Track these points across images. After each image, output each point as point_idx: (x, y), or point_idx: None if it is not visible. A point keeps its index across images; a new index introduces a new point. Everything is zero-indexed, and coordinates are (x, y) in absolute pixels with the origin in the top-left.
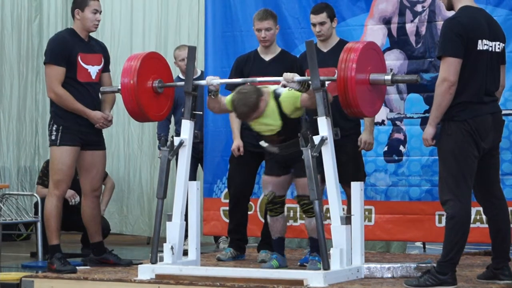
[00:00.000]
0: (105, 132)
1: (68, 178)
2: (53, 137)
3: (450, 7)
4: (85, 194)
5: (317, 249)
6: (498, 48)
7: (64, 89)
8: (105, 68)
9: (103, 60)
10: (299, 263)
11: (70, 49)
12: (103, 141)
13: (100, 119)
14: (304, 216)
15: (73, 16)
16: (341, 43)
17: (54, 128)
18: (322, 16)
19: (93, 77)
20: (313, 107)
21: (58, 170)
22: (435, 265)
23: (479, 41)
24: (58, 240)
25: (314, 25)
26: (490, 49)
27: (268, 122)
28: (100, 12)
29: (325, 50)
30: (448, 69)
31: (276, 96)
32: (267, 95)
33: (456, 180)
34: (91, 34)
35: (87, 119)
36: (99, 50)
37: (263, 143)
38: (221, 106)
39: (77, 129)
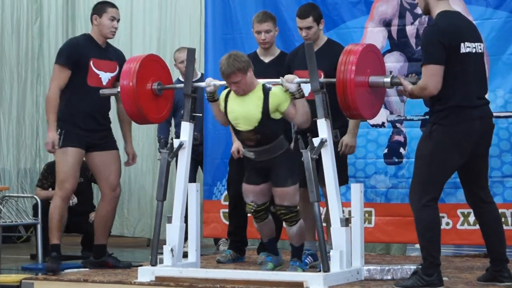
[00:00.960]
0: None
1: (72, 179)
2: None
3: (427, 12)
4: (104, 195)
5: (298, 255)
6: (480, 49)
7: (57, 94)
8: (120, 77)
9: (118, 68)
10: None
11: (80, 54)
12: (111, 141)
13: (49, 143)
14: (285, 224)
15: (91, 22)
16: (329, 44)
17: (57, 132)
18: (308, 21)
19: (104, 83)
20: (292, 121)
21: (61, 171)
22: (420, 266)
23: (462, 44)
24: (59, 240)
25: (301, 29)
26: (474, 50)
27: (249, 107)
28: (118, 20)
29: None
30: (431, 78)
31: (266, 89)
32: (257, 81)
33: (429, 183)
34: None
35: (87, 124)
36: (115, 58)
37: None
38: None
39: (77, 132)
